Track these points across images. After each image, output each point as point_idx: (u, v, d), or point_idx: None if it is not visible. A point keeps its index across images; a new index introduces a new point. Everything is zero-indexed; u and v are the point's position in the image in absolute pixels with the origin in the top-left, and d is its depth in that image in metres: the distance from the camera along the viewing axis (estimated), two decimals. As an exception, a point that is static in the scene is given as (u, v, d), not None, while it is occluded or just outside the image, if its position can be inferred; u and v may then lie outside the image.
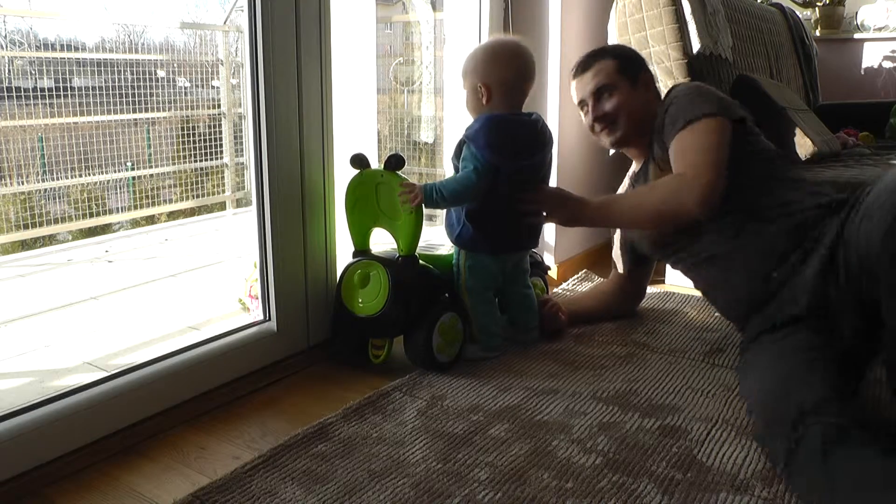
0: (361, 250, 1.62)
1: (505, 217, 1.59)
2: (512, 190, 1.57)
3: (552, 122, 2.19)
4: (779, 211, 1.42)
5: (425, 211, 1.56)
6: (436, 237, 2.01)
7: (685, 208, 1.43)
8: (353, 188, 1.59)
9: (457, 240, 1.62)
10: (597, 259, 2.45)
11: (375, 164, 1.72)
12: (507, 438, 1.26)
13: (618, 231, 1.86)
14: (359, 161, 1.57)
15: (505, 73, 1.57)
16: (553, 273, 2.26)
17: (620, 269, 1.88)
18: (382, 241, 1.65)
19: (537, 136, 1.60)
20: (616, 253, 1.89)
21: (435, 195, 1.52)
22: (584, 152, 2.37)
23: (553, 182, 2.17)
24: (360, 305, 1.55)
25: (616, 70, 1.63)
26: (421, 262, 1.59)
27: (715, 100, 1.52)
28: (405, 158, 1.56)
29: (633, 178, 1.74)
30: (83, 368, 1.81)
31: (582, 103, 1.68)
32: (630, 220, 1.62)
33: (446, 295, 1.61)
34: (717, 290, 1.58)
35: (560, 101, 2.19)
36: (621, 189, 1.83)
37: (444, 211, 1.67)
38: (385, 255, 1.59)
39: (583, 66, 1.68)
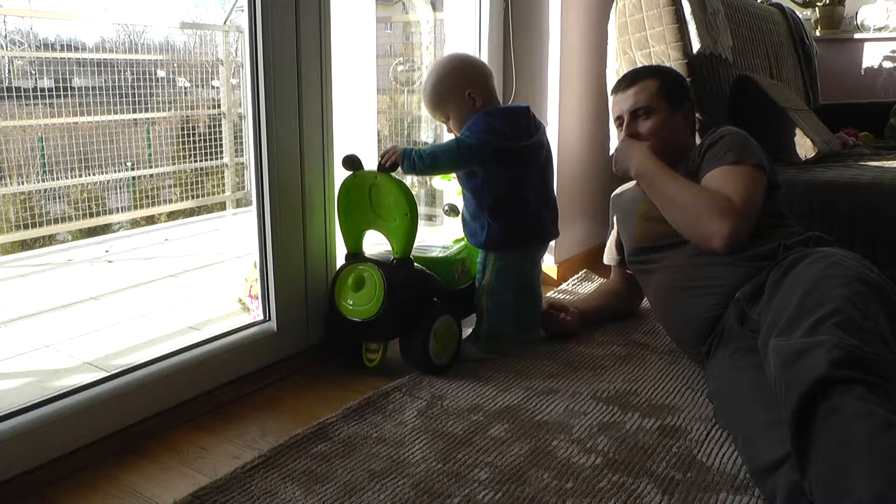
0: (354, 253, 1.60)
1: (529, 205, 1.61)
2: (528, 174, 1.59)
3: (552, 120, 2.20)
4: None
5: (424, 210, 1.55)
6: (430, 239, 2.01)
7: (711, 229, 1.42)
8: (347, 190, 1.57)
9: (486, 244, 1.61)
10: (597, 259, 2.44)
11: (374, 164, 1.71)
12: (507, 438, 1.26)
13: (614, 226, 1.87)
14: (351, 162, 1.55)
15: (480, 73, 1.63)
16: (553, 273, 2.26)
17: (606, 259, 1.93)
18: (375, 243, 1.65)
19: (531, 119, 1.63)
20: (609, 245, 1.90)
21: (413, 156, 1.51)
22: (583, 148, 2.37)
23: (553, 178, 2.19)
24: (355, 309, 1.53)
25: (657, 92, 1.62)
26: (416, 264, 1.58)
27: (765, 157, 1.53)
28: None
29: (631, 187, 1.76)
30: (83, 368, 1.81)
31: (619, 119, 1.68)
32: (664, 199, 1.54)
33: (432, 300, 1.59)
34: (665, 318, 1.62)
35: (560, 101, 2.19)
36: (621, 188, 1.84)
37: (461, 220, 1.69)
38: (379, 258, 1.56)
39: (626, 83, 1.66)
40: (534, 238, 1.66)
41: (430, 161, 1.51)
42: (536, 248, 1.69)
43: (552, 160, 1.69)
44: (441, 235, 2.12)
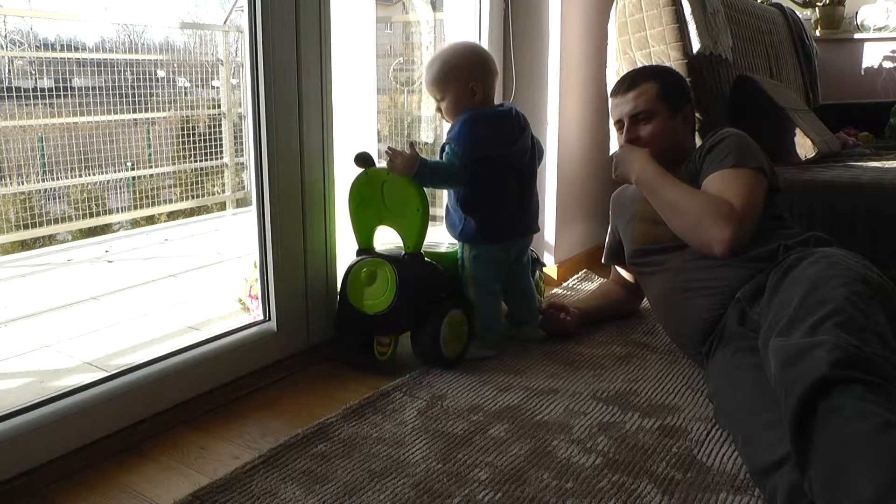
0: (366, 248, 1.62)
1: (503, 206, 1.62)
2: (506, 177, 1.60)
3: (552, 120, 2.20)
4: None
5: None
6: (435, 235, 2.01)
7: (712, 235, 1.42)
8: (359, 187, 1.59)
9: (461, 236, 1.63)
10: (597, 259, 2.45)
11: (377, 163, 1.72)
12: (507, 438, 1.26)
13: (611, 224, 1.87)
14: (363, 160, 1.57)
15: (491, 70, 1.64)
16: (553, 273, 2.26)
17: (605, 259, 1.92)
18: (382, 240, 1.65)
19: (515, 123, 1.63)
20: (608, 245, 1.90)
21: (426, 172, 1.52)
22: (583, 148, 2.37)
23: (553, 179, 2.20)
24: (367, 303, 1.55)
25: (657, 96, 1.62)
26: (426, 258, 1.59)
27: (765, 159, 1.53)
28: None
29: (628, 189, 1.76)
30: (83, 368, 1.81)
31: (618, 123, 1.68)
32: (665, 205, 1.54)
33: (442, 295, 1.60)
34: (665, 318, 1.62)
35: (560, 101, 2.19)
36: (620, 189, 1.84)
37: (445, 212, 1.69)
38: (390, 253, 1.59)
39: (625, 86, 1.66)
40: (508, 234, 1.66)
41: (443, 180, 1.57)
42: (512, 240, 1.68)
43: (536, 163, 1.70)
44: (441, 234, 2.13)
